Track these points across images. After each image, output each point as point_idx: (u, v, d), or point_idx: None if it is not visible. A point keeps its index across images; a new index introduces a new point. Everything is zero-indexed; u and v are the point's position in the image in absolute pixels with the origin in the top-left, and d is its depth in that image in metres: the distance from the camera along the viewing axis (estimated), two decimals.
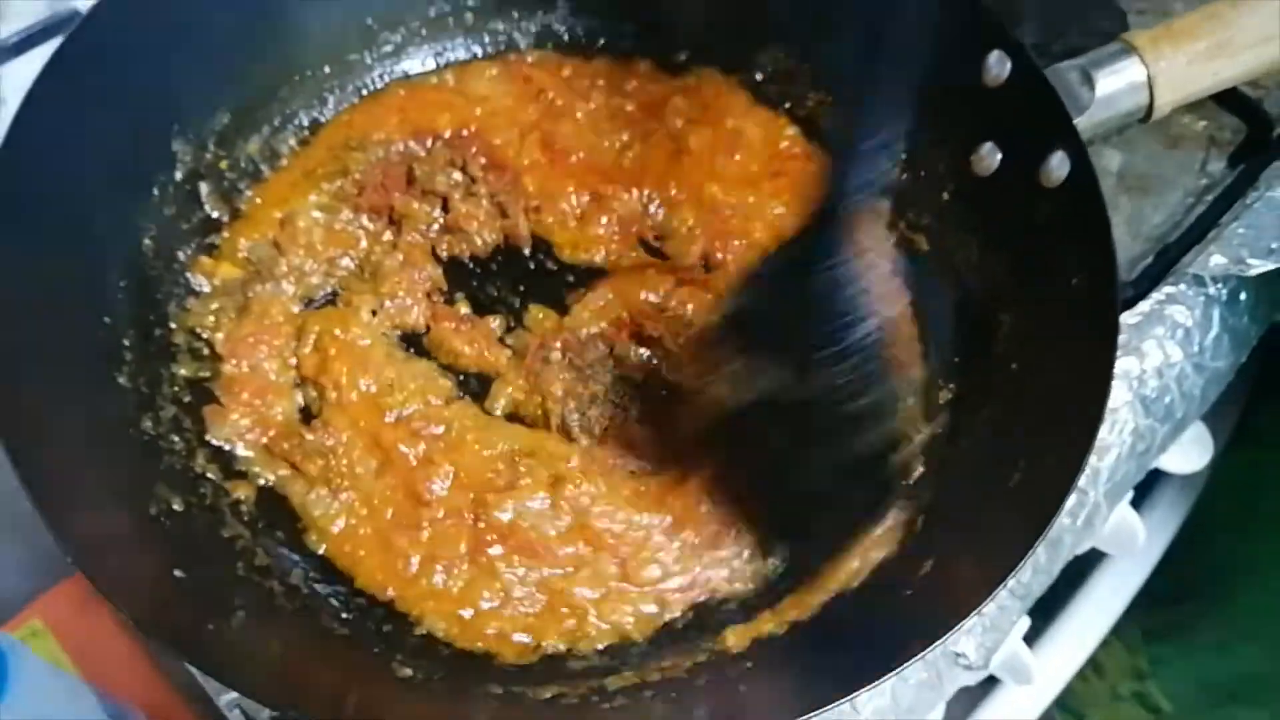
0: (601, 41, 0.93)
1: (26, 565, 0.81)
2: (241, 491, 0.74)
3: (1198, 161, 0.89)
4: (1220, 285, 0.82)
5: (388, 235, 0.85)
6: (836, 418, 0.68)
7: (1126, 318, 0.80)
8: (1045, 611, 0.92)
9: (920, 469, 0.74)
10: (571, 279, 0.85)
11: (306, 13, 0.86)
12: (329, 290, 0.83)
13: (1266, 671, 0.94)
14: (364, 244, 0.85)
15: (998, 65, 0.74)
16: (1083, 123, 0.72)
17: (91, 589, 0.57)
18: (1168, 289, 0.81)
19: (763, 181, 0.87)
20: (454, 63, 0.92)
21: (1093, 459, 0.72)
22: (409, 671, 0.67)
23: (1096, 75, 0.73)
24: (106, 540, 0.63)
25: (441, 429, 0.77)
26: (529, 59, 0.92)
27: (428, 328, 0.82)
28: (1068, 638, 0.94)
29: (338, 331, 0.79)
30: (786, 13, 0.87)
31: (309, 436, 0.76)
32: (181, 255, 0.80)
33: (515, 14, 0.93)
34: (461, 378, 0.81)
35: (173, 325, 0.78)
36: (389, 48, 0.91)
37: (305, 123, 0.88)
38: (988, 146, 0.76)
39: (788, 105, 0.90)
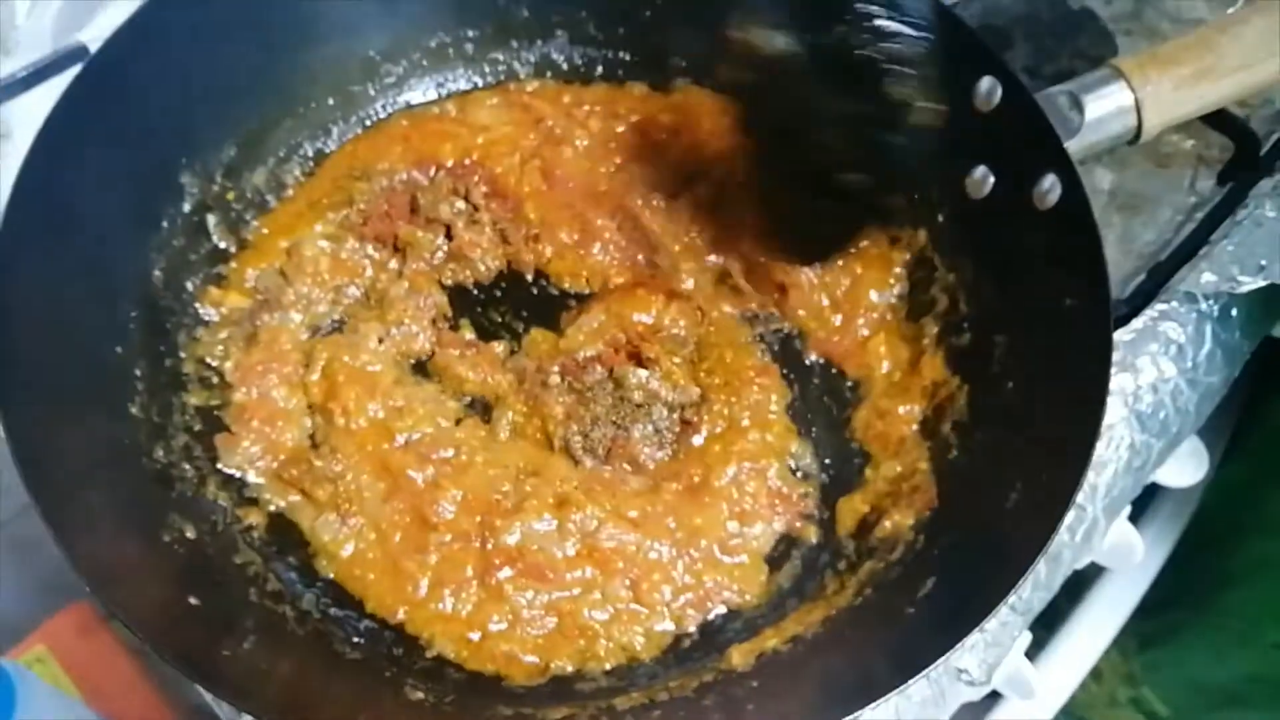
0: (599, 70, 0.95)
1: (31, 592, 0.81)
2: (252, 518, 0.75)
3: (1187, 180, 0.91)
4: (1212, 301, 0.84)
5: (393, 263, 0.86)
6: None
7: (1120, 335, 0.81)
8: (1046, 626, 0.93)
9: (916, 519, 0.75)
10: (573, 304, 0.86)
11: (310, 46, 0.87)
12: (336, 318, 0.84)
13: (1262, 674, 0.94)
14: (369, 272, 0.86)
15: (989, 91, 0.75)
16: (1073, 146, 0.73)
17: (101, 614, 0.57)
18: (1160, 306, 0.83)
19: None
20: (455, 93, 0.94)
21: (1090, 475, 0.73)
22: (420, 695, 0.68)
23: (1085, 100, 0.74)
24: (121, 566, 0.64)
25: (450, 452, 0.78)
26: (529, 88, 0.94)
27: (432, 353, 0.83)
28: (1069, 652, 0.95)
29: (346, 358, 0.80)
30: None
31: (317, 463, 0.76)
32: (190, 285, 0.81)
33: (514, 44, 0.94)
34: (467, 401, 0.82)
35: (183, 354, 0.79)
36: (391, 79, 0.92)
37: (310, 153, 0.89)
38: (981, 170, 0.78)
39: None
